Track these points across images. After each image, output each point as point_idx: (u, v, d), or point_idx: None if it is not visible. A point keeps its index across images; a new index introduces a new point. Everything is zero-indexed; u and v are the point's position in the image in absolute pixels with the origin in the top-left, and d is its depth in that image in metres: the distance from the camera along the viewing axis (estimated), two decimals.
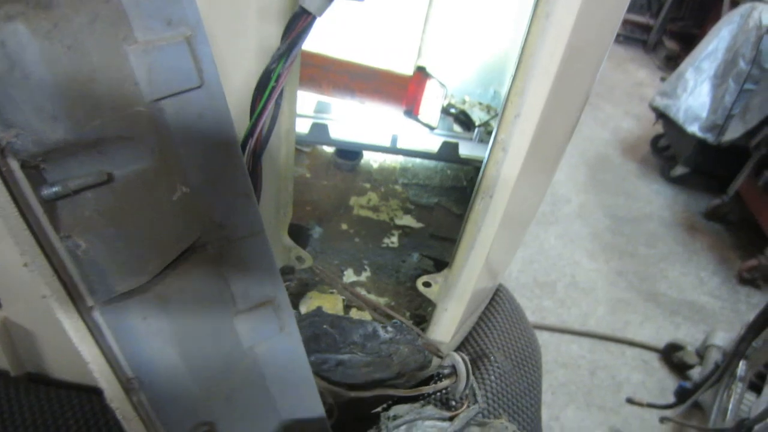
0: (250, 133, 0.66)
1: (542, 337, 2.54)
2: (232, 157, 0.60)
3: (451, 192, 1.43)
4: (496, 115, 1.62)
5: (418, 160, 1.51)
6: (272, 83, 0.63)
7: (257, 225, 0.65)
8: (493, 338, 1.15)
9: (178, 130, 0.54)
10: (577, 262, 2.81)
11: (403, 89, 1.41)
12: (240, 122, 0.72)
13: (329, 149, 1.49)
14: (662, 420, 2.09)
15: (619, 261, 2.88)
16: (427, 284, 0.89)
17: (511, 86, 0.69)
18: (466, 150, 1.37)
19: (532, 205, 1.00)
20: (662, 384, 2.49)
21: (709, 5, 4.09)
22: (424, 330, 1.00)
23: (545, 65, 0.66)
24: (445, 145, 1.35)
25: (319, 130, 1.33)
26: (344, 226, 1.31)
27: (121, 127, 0.51)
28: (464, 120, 1.57)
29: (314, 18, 0.58)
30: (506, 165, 0.74)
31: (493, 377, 1.10)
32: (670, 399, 2.28)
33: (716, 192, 3.09)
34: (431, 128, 1.43)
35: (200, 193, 0.59)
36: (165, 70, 0.50)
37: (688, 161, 3.17)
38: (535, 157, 0.77)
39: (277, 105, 0.67)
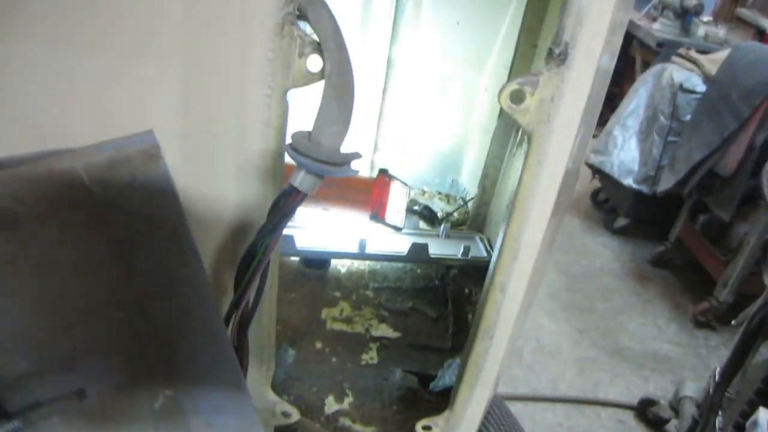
0: (235, 305, 0.59)
1: (515, 408, 2.47)
2: (221, 350, 0.52)
3: (423, 293, 1.37)
4: (462, 205, 1.59)
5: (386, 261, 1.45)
6: (259, 256, 0.56)
7: (249, 417, 0.57)
8: None
9: (160, 332, 0.46)
10: (540, 325, 2.78)
11: (367, 193, 1.37)
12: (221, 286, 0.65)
13: (295, 258, 1.42)
14: None
15: (579, 318, 2.88)
16: (427, 428, 0.81)
17: (506, 231, 0.64)
18: (434, 248, 1.33)
19: (524, 319, 0.95)
20: None
21: (622, 66, 4.34)
22: None
23: (540, 208, 0.62)
24: (414, 246, 1.29)
25: (285, 242, 1.25)
26: (319, 345, 1.22)
27: (95, 339, 0.42)
28: (428, 215, 1.54)
29: (304, 196, 0.52)
30: (505, 306, 0.69)
31: None
32: None
33: (659, 239, 3.18)
34: (398, 229, 1.39)
35: (186, 394, 0.50)
36: (146, 271, 0.43)
37: (628, 213, 3.26)
38: (531, 286, 0.73)
39: (264, 276, 0.60)
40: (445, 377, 1.16)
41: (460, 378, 0.77)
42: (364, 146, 1.67)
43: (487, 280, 0.69)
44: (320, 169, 0.49)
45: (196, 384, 0.48)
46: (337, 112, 0.49)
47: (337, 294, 1.34)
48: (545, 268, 0.88)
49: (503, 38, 1.41)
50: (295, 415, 0.80)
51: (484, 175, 1.47)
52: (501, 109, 1.42)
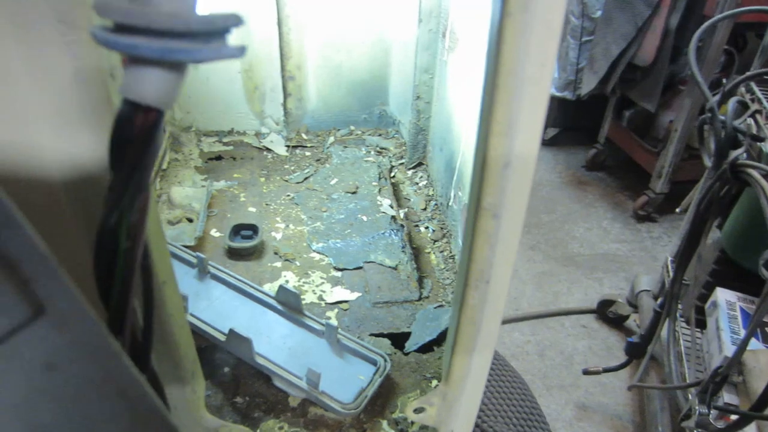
0: (116, 330, 0.34)
1: None
2: (147, 424, 0.28)
3: (377, 243, 1.16)
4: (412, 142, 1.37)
5: (325, 216, 1.22)
6: (124, 244, 0.32)
7: None
8: (488, 410, 0.91)
9: (9, 411, 0.22)
10: None
11: None
12: None
13: (218, 234, 1.16)
14: (630, 388, 1.98)
15: (528, 235, 2.77)
16: (420, 410, 0.61)
17: (489, 125, 0.42)
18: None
19: None
20: (607, 343, 2.42)
21: None
22: None
23: (538, 63, 0.40)
24: (282, 291, 0.97)
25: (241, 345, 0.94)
26: None
27: None
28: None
29: (158, 113, 0.28)
30: (502, 236, 0.48)
31: None
32: (618, 355, 2.21)
33: (590, 143, 3.09)
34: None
35: None
36: None
37: (556, 122, 3.15)
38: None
39: (147, 271, 0.36)
40: (419, 332, 0.97)
41: (452, 342, 0.57)
42: (272, 93, 1.40)
43: (469, 205, 0.48)
44: (169, 49, 0.25)
45: None
46: None
47: (278, 264, 1.11)
48: None
49: None
50: None
51: (416, 97, 1.25)
52: (420, 12, 1.19)
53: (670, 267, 2.12)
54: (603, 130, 2.96)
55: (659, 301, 1.97)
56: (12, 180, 0.36)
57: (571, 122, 3.14)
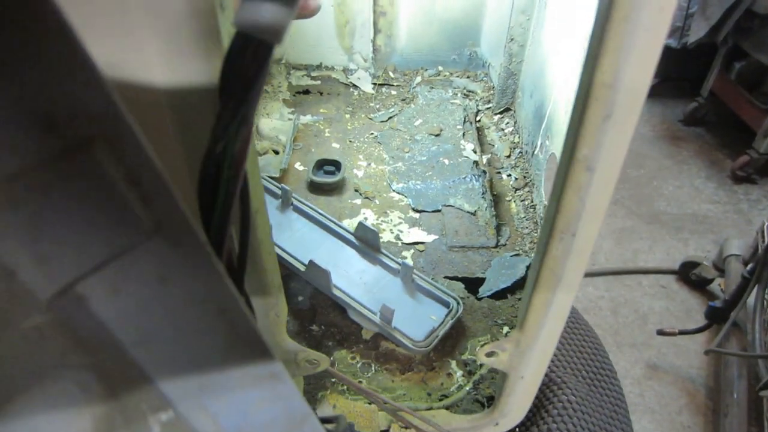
0: (215, 252, 0.36)
1: None
2: (243, 341, 0.30)
3: (457, 187, 1.15)
4: (496, 87, 1.31)
5: (407, 157, 1.21)
6: (227, 173, 0.33)
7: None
8: (558, 361, 0.90)
9: (124, 318, 0.24)
10: None
11: None
12: None
13: (302, 168, 1.19)
14: (707, 352, 1.90)
15: (612, 189, 2.65)
16: (491, 354, 0.62)
17: (593, 73, 0.40)
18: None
19: None
20: (686, 306, 2.31)
21: None
22: (491, 403, 0.73)
23: (651, 17, 0.37)
24: (361, 228, 0.98)
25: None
26: None
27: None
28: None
29: (269, 46, 0.28)
30: (594, 190, 0.46)
31: (571, 410, 0.85)
32: (697, 319, 2.11)
33: (690, 96, 2.85)
34: None
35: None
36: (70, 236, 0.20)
37: (655, 71, 2.92)
38: None
39: (245, 197, 0.38)
40: (493, 279, 0.97)
41: (531, 290, 0.56)
42: (362, 29, 1.38)
43: (562, 154, 0.46)
44: None
45: (204, 394, 0.27)
46: None
47: (357, 202, 1.13)
48: None
49: None
50: (324, 362, 0.61)
51: (510, 40, 1.19)
52: None
53: (766, 232, 1.97)
54: (707, 82, 2.72)
55: (749, 266, 1.86)
56: (126, 101, 0.38)
57: (671, 73, 2.90)
